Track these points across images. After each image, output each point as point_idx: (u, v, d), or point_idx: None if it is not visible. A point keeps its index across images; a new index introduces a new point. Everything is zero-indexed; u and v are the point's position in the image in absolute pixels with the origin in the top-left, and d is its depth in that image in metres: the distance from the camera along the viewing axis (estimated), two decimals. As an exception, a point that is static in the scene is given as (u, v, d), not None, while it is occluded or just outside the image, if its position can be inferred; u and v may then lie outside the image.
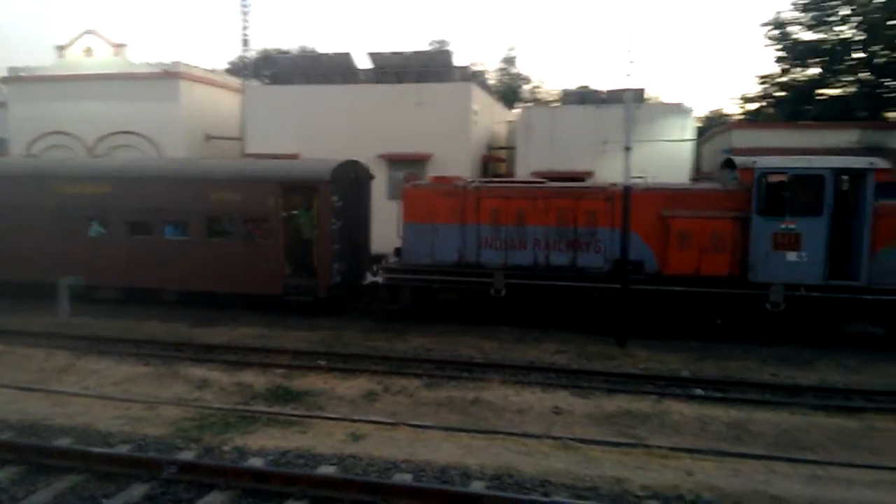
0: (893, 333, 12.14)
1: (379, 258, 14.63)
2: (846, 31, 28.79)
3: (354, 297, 15.25)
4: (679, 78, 71.43)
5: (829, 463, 7.02)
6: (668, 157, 20.40)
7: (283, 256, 14.15)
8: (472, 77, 24.39)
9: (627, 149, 12.11)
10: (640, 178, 13.76)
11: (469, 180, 13.94)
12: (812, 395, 9.37)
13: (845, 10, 28.14)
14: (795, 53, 29.95)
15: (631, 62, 12.51)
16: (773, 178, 12.20)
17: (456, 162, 20.46)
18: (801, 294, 11.87)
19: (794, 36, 29.69)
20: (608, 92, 22.84)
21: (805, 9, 29.10)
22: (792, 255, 11.94)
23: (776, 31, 29.85)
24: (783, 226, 11.94)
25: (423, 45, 45.67)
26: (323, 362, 10.74)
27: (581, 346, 11.86)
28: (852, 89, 29.34)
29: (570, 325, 12.86)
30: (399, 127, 21.14)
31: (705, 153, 26.59)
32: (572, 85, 45.32)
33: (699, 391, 9.55)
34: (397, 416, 8.44)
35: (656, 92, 49.60)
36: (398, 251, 14.09)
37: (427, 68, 22.96)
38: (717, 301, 12.32)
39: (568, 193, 13.07)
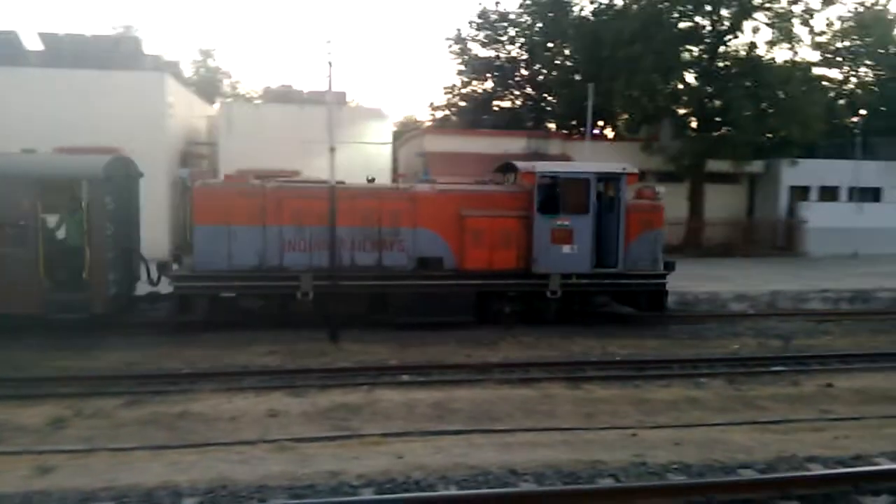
0: (639, 309, 14.20)
1: (164, 264, 12.78)
2: (514, 51, 32.81)
3: (127, 310, 13.26)
4: (376, 84, 74.88)
5: (516, 430, 8.02)
6: (368, 158, 21.30)
7: (43, 268, 11.73)
8: (166, 67, 22.68)
9: (332, 149, 12.39)
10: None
11: (264, 179, 13.01)
12: (499, 371, 10.60)
13: (512, 32, 32.02)
14: (473, 67, 33.26)
15: (330, 64, 12.73)
16: (550, 182, 13.32)
17: (149, 156, 18.83)
18: (573, 281, 13.37)
19: (473, 52, 32.98)
20: (309, 93, 23.04)
21: (480, 27, 32.47)
22: (566, 248, 13.31)
23: (457, 47, 32.87)
24: (558, 223, 13.25)
25: (105, 30, 41.14)
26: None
27: (292, 345, 11.85)
28: (520, 102, 33.54)
29: (282, 325, 12.71)
30: (81, 118, 18.79)
31: (401, 156, 28.27)
32: (273, 83, 44.70)
33: (405, 377, 10.21)
34: (93, 441, 7.57)
35: (356, 96, 51.39)
36: (177, 257, 13.07)
37: (110, 54, 20.78)
38: (507, 291, 13.43)
39: (372, 194, 13.18)
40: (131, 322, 13.18)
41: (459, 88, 34.78)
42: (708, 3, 24.13)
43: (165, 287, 12.83)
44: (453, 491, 5.88)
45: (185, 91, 23.57)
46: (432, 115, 37.43)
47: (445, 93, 35.44)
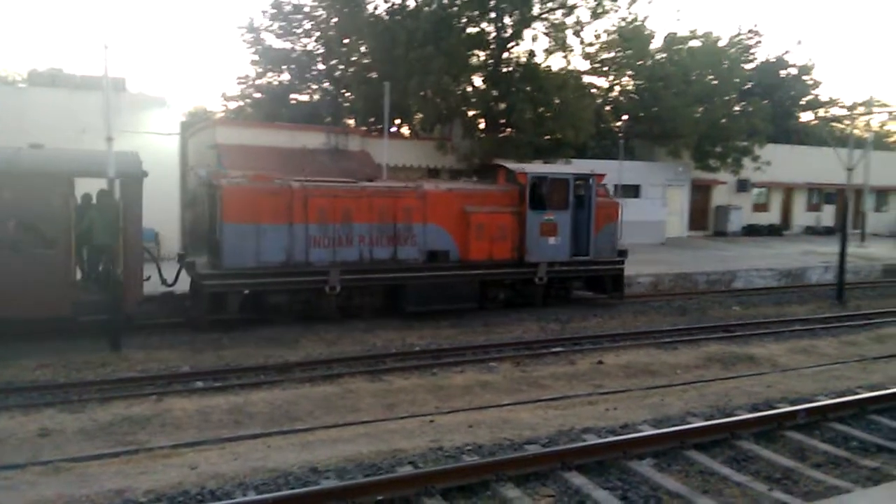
0: (604, 292, 16.33)
1: (190, 264, 13.02)
2: (310, 44, 32.26)
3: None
4: (161, 72, 69.62)
5: (317, 428, 8.00)
6: (154, 150, 19.77)
7: (74, 268, 11.52)
8: None
9: (109, 139, 11.38)
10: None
11: (292, 179, 13.51)
12: (300, 370, 10.48)
13: (307, 25, 31.45)
14: (268, 59, 32.23)
15: (106, 47, 11.66)
16: (539, 182, 15.15)
17: None
18: (556, 269, 15.35)
19: (267, 43, 31.93)
20: (83, 77, 20.88)
21: (274, 18, 31.51)
22: (551, 240, 15.23)
23: (250, 36, 31.63)
24: (546, 217, 15.12)
25: None
26: None
27: (67, 356, 10.72)
28: (318, 97, 33.10)
29: (57, 336, 11.42)
30: None
31: (191, 148, 26.67)
32: (41, 66, 39.77)
33: (199, 383, 9.72)
34: None
35: (138, 83, 47.41)
36: (181, 257, 13.49)
37: None
38: (504, 279, 15.16)
39: (388, 193, 14.12)
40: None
41: (254, 80, 33.52)
42: (492, 11, 25.59)
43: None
44: (251, 496, 5.72)
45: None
46: (225, 106, 35.74)
47: (239, 83, 33.99)
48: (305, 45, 32.18)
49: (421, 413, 8.65)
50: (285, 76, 32.85)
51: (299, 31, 31.77)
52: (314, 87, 33.31)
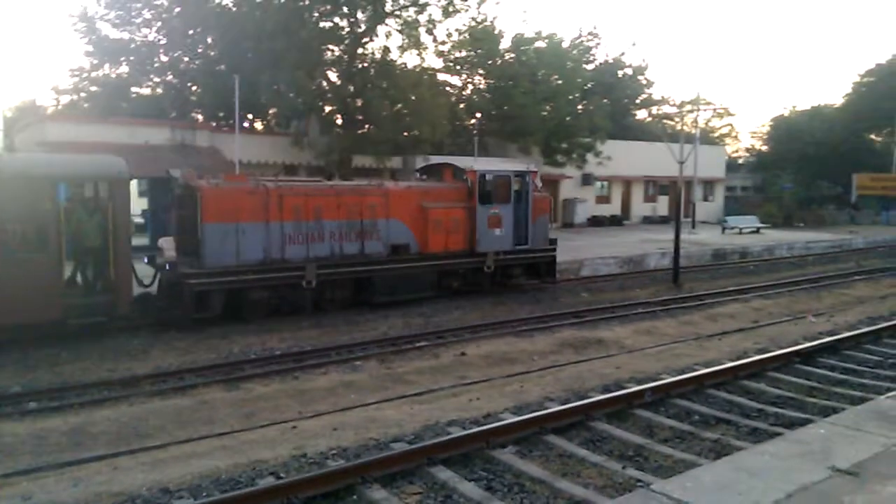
0: (538, 277, 17.83)
1: (163, 265, 13.12)
2: (151, 35, 30.26)
3: None
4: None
5: (169, 444, 7.48)
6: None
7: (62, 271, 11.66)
8: None
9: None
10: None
11: (266, 179, 14.39)
12: (149, 383, 9.78)
13: (148, 14, 29.49)
14: (105, 50, 29.89)
15: None
16: (485, 179, 16.58)
17: None
18: (502, 257, 16.71)
19: (104, 33, 29.57)
20: None
21: (109, 6, 29.24)
22: (497, 231, 16.61)
23: (83, 25, 29.14)
24: (492, 211, 16.47)
25: None
26: None
27: None
28: (161, 90, 31.15)
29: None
30: None
31: (19, 146, 24.30)
32: None
33: (33, 404, 8.81)
34: None
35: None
36: (152, 259, 13.58)
37: None
38: (458, 269, 16.35)
39: (354, 191, 15.04)
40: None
41: (89, 72, 30.89)
42: (345, 6, 25.30)
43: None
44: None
45: None
46: (57, 100, 32.69)
47: (72, 76, 31.20)
48: (146, 36, 30.11)
49: (283, 420, 8.35)
50: (124, 68, 30.56)
51: (139, 20, 29.65)
52: (157, 80, 31.28)
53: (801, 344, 11.26)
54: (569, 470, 6.50)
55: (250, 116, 30.47)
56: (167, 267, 13.00)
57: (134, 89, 31.10)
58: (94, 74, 30.85)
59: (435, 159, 29.13)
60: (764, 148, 64.80)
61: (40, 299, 11.16)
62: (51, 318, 11.40)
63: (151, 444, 7.49)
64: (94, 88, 30.97)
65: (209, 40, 28.15)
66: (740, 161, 68.78)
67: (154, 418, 8.35)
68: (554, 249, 17.96)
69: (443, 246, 15.98)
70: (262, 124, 32.13)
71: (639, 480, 6.07)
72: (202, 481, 6.12)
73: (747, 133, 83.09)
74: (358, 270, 14.87)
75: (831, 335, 12.00)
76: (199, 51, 29.13)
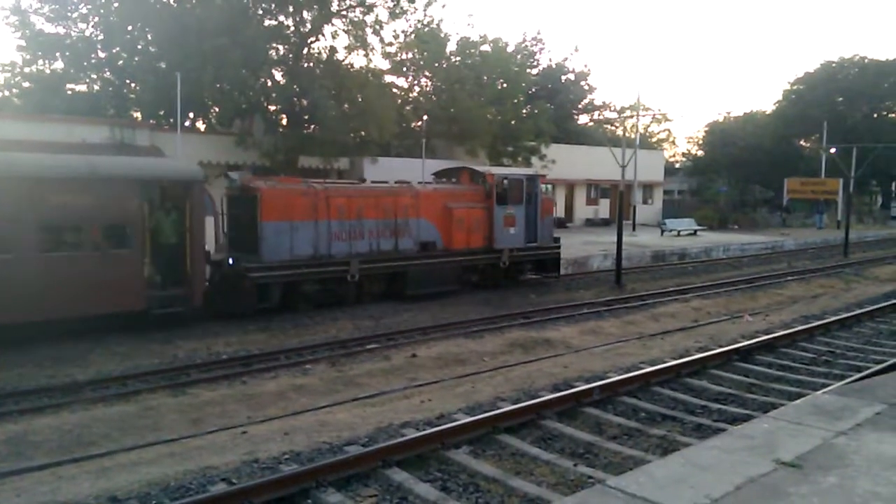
0: (545, 273, 19.65)
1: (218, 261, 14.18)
2: (88, 30, 29.23)
3: None
4: None
5: (115, 452, 7.28)
6: None
7: (145, 266, 12.55)
8: None
9: None
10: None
11: (313, 182, 15.55)
12: (90, 389, 9.49)
13: (84, 9, 28.49)
14: (38, 45, 28.74)
15: None
16: (502, 181, 17.97)
17: None
18: (515, 254, 18.27)
19: (37, 27, 28.41)
20: None
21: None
22: (511, 230, 18.08)
23: (15, 19, 27.92)
24: (507, 211, 17.95)
25: None
26: None
27: None
28: (98, 87, 30.13)
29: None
30: None
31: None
32: None
33: (-36, 416, 8.45)
34: None
35: None
36: (208, 255, 14.04)
37: None
38: (477, 264, 17.85)
39: (390, 192, 16.50)
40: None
41: (21, 67, 29.60)
42: (291, 4, 25.00)
43: None
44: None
45: None
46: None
47: (4, 71, 29.81)
48: (83, 31, 29.02)
49: (232, 425, 8.22)
50: (59, 64, 29.40)
51: (74, 14, 28.55)
52: (94, 76, 30.19)
53: (739, 342, 11.70)
54: (522, 468, 6.61)
55: (192, 115, 29.72)
56: (230, 262, 13.86)
57: (70, 86, 29.96)
58: (27, 70, 29.58)
59: (384, 161, 29.14)
60: (700, 153, 66.96)
61: (128, 291, 12.20)
62: (137, 309, 12.41)
63: (96, 452, 7.28)
64: (27, 84, 29.70)
65: (149, 36, 27.34)
66: (677, 165, 70.90)
67: (98, 425, 8.11)
68: (559, 247, 19.61)
69: (465, 243, 17.39)
70: (205, 123, 31.41)
71: (590, 477, 6.22)
72: (151, 489, 5.98)
73: (684, 138, 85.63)
74: (393, 265, 16.24)
75: (767, 334, 12.50)
76: (139, 47, 28.24)
